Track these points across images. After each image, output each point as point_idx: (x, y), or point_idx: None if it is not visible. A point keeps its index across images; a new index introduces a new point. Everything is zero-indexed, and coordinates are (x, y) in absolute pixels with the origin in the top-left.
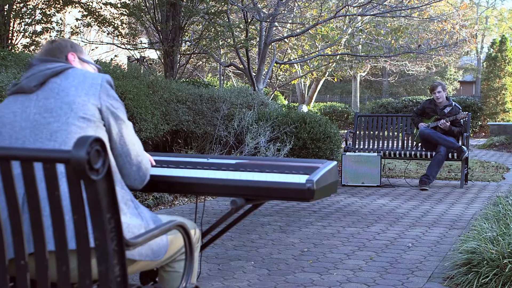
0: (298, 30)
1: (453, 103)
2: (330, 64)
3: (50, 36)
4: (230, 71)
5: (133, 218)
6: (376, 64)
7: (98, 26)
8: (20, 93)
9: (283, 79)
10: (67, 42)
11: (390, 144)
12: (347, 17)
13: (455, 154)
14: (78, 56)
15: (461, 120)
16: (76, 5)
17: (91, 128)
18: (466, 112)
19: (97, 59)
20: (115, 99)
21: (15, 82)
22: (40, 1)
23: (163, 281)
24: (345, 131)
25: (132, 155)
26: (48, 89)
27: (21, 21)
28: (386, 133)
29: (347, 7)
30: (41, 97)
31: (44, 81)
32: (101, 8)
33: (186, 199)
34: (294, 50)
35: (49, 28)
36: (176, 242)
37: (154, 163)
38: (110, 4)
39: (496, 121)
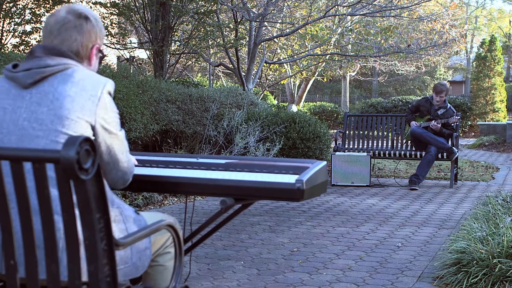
0: (287, 30)
1: (449, 105)
2: (319, 64)
3: (40, 36)
4: (220, 71)
5: (116, 234)
6: (365, 64)
7: None
8: (14, 81)
9: (273, 79)
10: (98, 28)
11: (380, 144)
12: (337, 16)
13: (445, 154)
14: (100, 46)
15: (453, 124)
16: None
17: None
18: (459, 117)
19: None
20: (111, 110)
21: (14, 64)
22: (30, 1)
23: (148, 276)
24: (335, 131)
25: (120, 162)
26: (43, 91)
27: (10, 21)
28: (375, 133)
29: (336, 6)
30: (34, 99)
31: (40, 79)
32: (91, 8)
33: (175, 199)
34: (283, 50)
35: (39, 28)
36: (159, 238)
37: (136, 163)
38: (100, 3)
39: (485, 121)
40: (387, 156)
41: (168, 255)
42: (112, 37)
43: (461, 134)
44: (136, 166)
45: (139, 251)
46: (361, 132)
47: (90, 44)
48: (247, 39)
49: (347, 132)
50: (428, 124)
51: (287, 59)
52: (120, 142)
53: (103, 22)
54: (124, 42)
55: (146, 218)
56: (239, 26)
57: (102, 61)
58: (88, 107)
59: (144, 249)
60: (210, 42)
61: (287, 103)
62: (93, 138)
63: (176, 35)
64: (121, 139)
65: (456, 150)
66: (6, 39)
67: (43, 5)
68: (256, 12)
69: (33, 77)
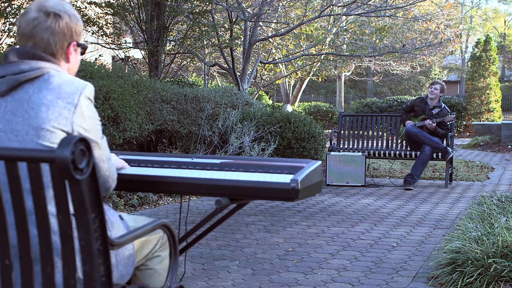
0: (282, 30)
1: (443, 105)
2: (314, 64)
3: None
4: (215, 70)
5: None
6: (360, 64)
7: (83, 25)
8: None
9: (268, 78)
10: (73, 24)
11: (375, 144)
12: (332, 16)
13: (440, 154)
14: (77, 42)
15: (448, 123)
16: None
17: None
18: (454, 116)
19: (82, 59)
20: (90, 118)
21: None
22: (25, 1)
23: (138, 279)
24: (330, 130)
25: (101, 170)
26: (18, 99)
27: (5, 20)
28: (370, 132)
29: (331, 6)
30: (9, 108)
31: (16, 86)
32: (85, 8)
33: (170, 199)
34: (278, 49)
35: None
36: (146, 245)
37: (127, 167)
38: (95, 3)
39: (480, 121)
40: (382, 156)
41: (158, 259)
42: (107, 37)
43: (456, 134)
44: (131, 165)
45: (124, 258)
46: (356, 132)
47: (66, 43)
48: (242, 39)
49: (342, 132)
50: (423, 123)
51: (282, 59)
52: (101, 151)
53: (98, 22)
54: (119, 42)
55: (128, 222)
56: (234, 26)
57: (84, 53)
58: (64, 116)
59: (128, 256)
60: (205, 42)
61: (282, 103)
62: None
63: (171, 35)
64: (102, 148)
65: (450, 150)
66: (1, 38)
67: None
68: (251, 12)
69: (7, 84)
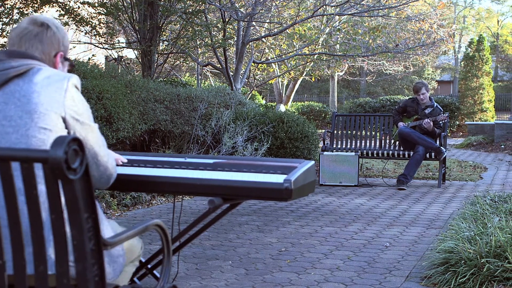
0: (275, 30)
1: (435, 104)
2: (307, 64)
3: None
4: (208, 70)
5: None
6: (353, 64)
7: (76, 25)
8: None
9: (261, 78)
10: (60, 36)
11: (368, 144)
12: (325, 16)
13: (433, 154)
14: (65, 54)
15: (441, 122)
16: (54, 4)
17: (53, 139)
18: (447, 114)
19: (75, 59)
20: (80, 102)
21: None
22: (18, 1)
23: None
24: (323, 130)
25: (99, 156)
26: (9, 91)
27: None
28: (363, 132)
29: (324, 6)
30: (1, 100)
31: (6, 81)
32: (78, 8)
33: (163, 199)
34: (271, 49)
35: None
36: (131, 253)
37: (124, 161)
38: (88, 3)
39: (473, 121)
40: (375, 155)
41: (132, 268)
42: (100, 37)
43: (449, 134)
44: (124, 165)
45: (110, 257)
46: (349, 131)
47: (53, 51)
48: (235, 39)
49: (335, 131)
50: (416, 123)
51: (275, 58)
52: (95, 135)
53: (91, 22)
54: (112, 42)
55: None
56: (227, 25)
57: (73, 70)
58: (56, 99)
59: (117, 256)
60: (198, 42)
61: (275, 103)
62: (66, 131)
63: (164, 34)
64: (96, 132)
65: (444, 150)
66: None
67: (31, 5)
68: (244, 12)
69: None
